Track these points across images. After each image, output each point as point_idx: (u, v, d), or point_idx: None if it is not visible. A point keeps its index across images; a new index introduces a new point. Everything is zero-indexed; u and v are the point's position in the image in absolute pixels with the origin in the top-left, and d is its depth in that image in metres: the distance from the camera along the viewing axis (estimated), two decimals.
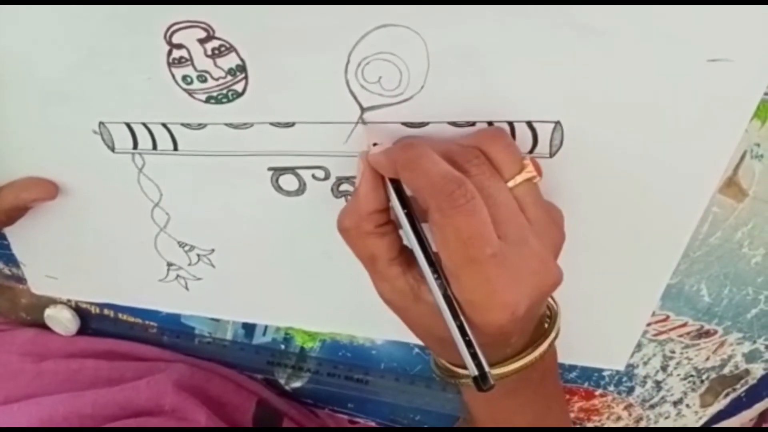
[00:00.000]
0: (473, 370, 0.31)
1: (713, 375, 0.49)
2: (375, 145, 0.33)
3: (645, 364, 0.49)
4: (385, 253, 0.33)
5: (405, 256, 0.33)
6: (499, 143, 0.32)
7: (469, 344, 0.31)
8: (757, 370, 0.48)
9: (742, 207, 0.38)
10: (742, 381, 0.50)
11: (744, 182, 0.37)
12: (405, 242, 0.34)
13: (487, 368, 0.31)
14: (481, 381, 0.31)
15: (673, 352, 0.48)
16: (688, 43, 0.30)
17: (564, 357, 0.49)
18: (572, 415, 0.56)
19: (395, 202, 0.32)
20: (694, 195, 0.36)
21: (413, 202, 0.32)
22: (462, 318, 0.30)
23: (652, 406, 0.53)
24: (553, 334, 0.37)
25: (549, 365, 0.40)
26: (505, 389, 0.35)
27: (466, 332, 0.30)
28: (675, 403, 0.53)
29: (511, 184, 0.31)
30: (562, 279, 0.32)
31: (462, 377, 0.36)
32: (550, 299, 0.37)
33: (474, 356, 0.31)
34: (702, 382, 0.50)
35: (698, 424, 0.55)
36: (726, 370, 0.49)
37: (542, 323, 0.37)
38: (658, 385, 0.51)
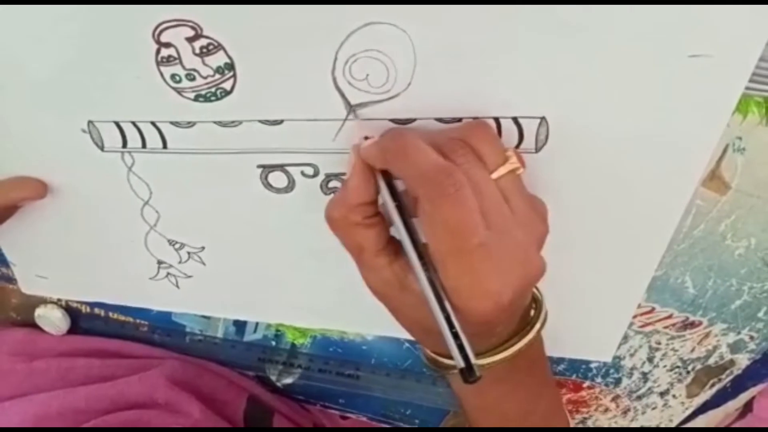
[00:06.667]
0: (459, 362, 0.31)
1: (699, 366, 0.50)
2: (366, 138, 0.33)
3: (632, 355, 0.50)
4: (373, 244, 0.33)
5: (392, 246, 0.34)
6: (483, 135, 0.32)
7: (455, 336, 0.31)
8: (742, 360, 0.49)
9: (725, 200, 0.38)
10: (728, 371, 0.50)
11: (726, 175, 0.37)
12: (392, 233, 0.34)
13: (473, 359, 0.31)
14: (467, 373, 0.31)
15: (659, 343, 0.48)
16: (670, 39, 0.31)
17: (551, 350, 0.49)
18: None
19: (385, 193, 0.32)
20: (677, 188, 0.37)
21: (403, 194, 0.32)
22: (447, 305, 0.30)
23: (639, 397, 0.54)
24: (538, 324, 0.37)
25: (536, 353, 0.40)
26: (493, 377, 0.36)
27: (452, 321, 0.30)
28: (662, 394, 0.54)
29: (495, 175, 0.31)
30: (545, 270, 0.32)
31: (448, 367, 0.37)
32: (534, 290, 0.38)
33: (461, 348, 0.31)
34: (688, 372, 0.51)
35: (685, 415, 0.56)
36: (711, 361, 0.50)
37: (528, 313, 0.38)
38: (644, 376, 0.52)
